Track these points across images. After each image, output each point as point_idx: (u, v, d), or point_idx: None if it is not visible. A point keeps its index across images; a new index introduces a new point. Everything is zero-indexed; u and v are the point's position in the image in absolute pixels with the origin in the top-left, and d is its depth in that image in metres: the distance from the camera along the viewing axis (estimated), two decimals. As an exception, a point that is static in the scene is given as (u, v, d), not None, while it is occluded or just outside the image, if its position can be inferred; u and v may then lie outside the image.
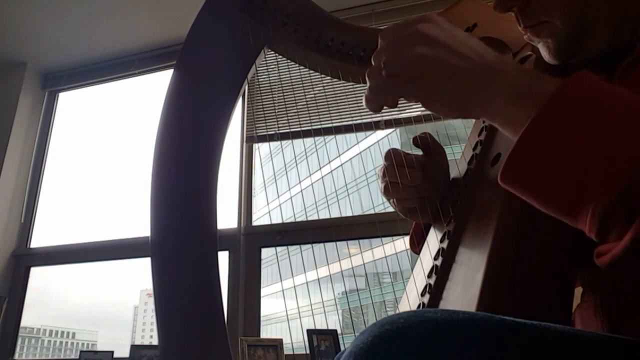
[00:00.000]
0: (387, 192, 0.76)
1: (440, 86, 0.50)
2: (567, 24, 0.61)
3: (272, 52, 0.82)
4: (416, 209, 0.76)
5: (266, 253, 2.24)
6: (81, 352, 2.05)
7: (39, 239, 2.60)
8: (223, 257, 2.17)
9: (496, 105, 0.48)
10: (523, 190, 0.45)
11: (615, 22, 0.60)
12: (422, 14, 0.54)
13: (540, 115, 0.42)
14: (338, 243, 2.06)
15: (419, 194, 0.75)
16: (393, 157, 0.76)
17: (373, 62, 0.54)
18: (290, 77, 1.00)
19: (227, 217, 2.27)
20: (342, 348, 1.57)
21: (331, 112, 2.19)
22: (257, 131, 2.38)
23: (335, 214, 2.15)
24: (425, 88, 0.51)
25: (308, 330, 1.81)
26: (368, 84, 0.54)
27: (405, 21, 0.54)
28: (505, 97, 0.47)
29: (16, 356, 2.38)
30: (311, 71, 0.83)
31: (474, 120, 0.83)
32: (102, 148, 3.24)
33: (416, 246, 0.79)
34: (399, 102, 0.57)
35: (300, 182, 1.04)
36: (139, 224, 2.36)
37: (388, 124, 2.23)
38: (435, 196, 0.75)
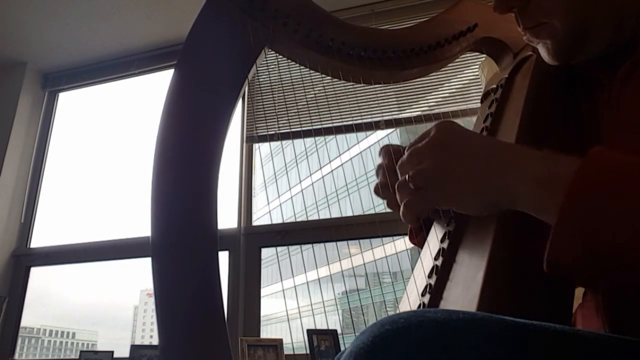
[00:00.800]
0: (377, 192, 0.72)
1: (466, 190, 0.52)
2: (566, 25, 0.61)
3: (273, 52, 0.82)
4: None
5: (266, 253, 2.24)
6: (81, 352, 2.05)
7: (39, 239, 2.61)
8: (223, 257, 2.17)
9: (522, 197, 0.49)
10: (570, 275, 0.47)
11: (615, 23, 0.60)
12: (435, 124, 0.57)
13: (564, 206, 0.43)
14: (338, 243, 2.06)
15: None
16: (393, 155, 0.70)
17: (399, 174, 0.57)
18: (291, 77, 1.00)
19: (227, 217, 2.27)
20: (342, 348, 1.57)
21: (331, 112, 2.18)
22: (257, 131, 2.38)
23: (335, 214, 2.15)
24: (452, 195, 0.54)
25: (308, 330, 1.81)
26: (399, 198, 0.57)
27: (421, 135, 0.57)
28: (528, 188, 0.48)
29: (16, 356, 2.38)
30: (311, 71, 0.83)
31: (474, 120, 0.83)
32: (102, 148, 3.24)
33: (414, 237, 0.77)
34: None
35: (300, 182, 1.04)
36: (139, 224, 2.36)
37: (388, 124, 2.23)
38: None
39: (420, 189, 0.54)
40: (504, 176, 0.50)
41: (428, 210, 0.58)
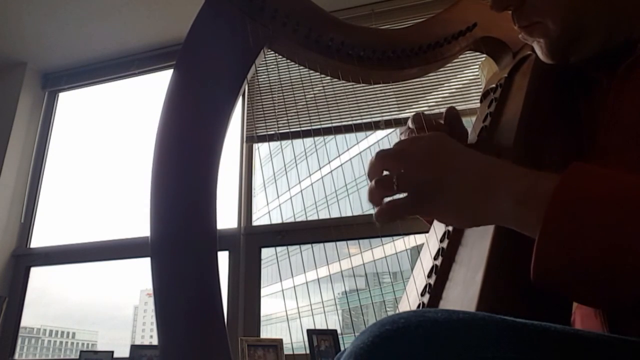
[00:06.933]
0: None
1: (450, 205, 0.52)
2: (559, 25, 0.61)
3: (272, 52, 0.82)
4: None
5: (266, 253, 2.24)
6: (81, 352, 2.05)
7: (39, 239, 2.60)
8: (223, 257, 2.17)
9: (504, 213, 0.49)
10: (557, 289, 0.46)
11: (609, 23, 0.60)
12: (428, 134, 0.57)
13: (546, 222, 0.43)
14: (338, 243, 2.06)
15: None
16: (423, 121, 0.74)
17: (381, 162, 0.57)
18: (290, 77, 1.00)
19: (227, 217, 2.27)
20: (342, 348, 1.57)
21: (331, 112, 2.18)
22: (257, 131, 2.38)
23: (335, 214, 2.15)
24: (435, 207, 0.54)
25: (308, 330, 1.81)
26: (379, 192, 0.56)
27: (414, 138, 0.57)
28: (510, 204, 0.48)
29: (16, 356, 2.38)
30: (311, 71, 0.83)
31: (474, 119, 0.83)
32: (102, 148, 3.24)
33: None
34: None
35: (300, 182, 1.04)
36: (139, 224, 2.36)
37: (388, 124, 2.23)
38: None
39: (403, 191, 0.54)
40: (486, 193, 0.50)
41: (409, 215, 0.58)
